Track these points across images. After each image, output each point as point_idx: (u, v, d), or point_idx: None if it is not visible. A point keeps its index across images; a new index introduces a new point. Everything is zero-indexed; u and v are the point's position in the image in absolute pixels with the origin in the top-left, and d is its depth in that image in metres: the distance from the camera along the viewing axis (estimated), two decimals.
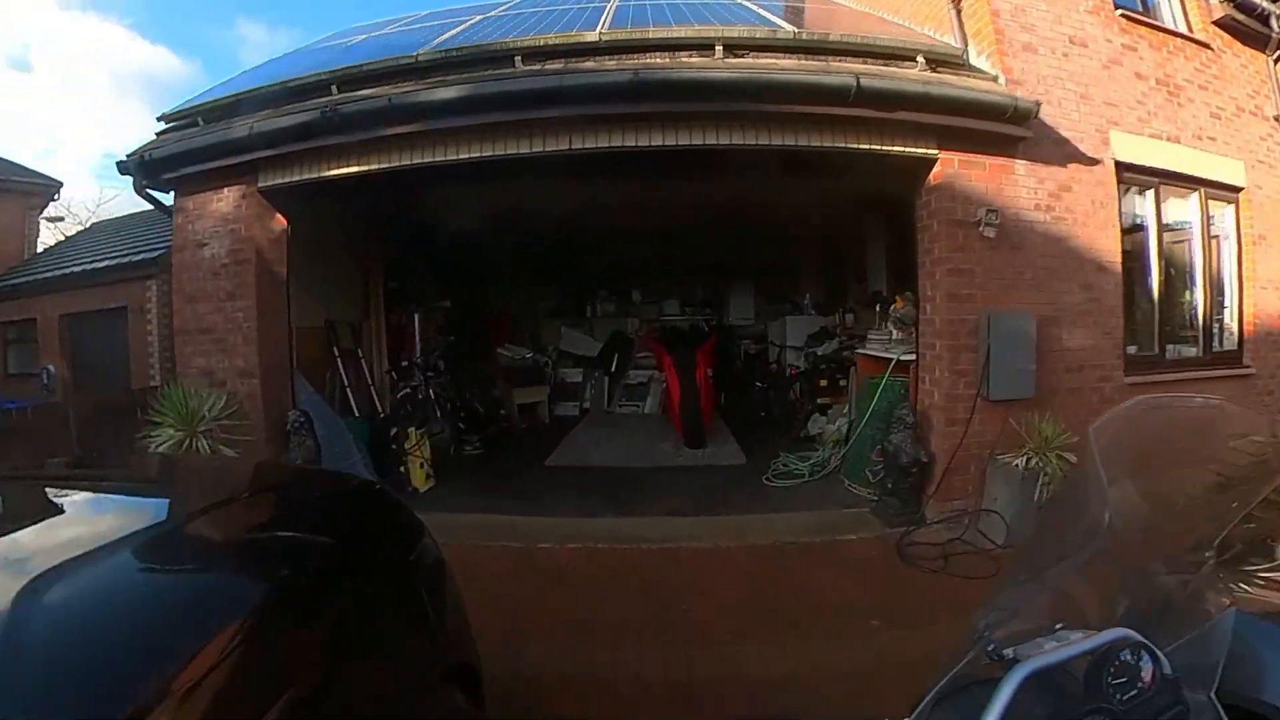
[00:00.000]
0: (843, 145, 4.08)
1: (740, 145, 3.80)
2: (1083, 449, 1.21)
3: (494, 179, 4.31)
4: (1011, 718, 0.85)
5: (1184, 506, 1.25)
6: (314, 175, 4.14)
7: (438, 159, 3.76)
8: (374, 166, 3.91)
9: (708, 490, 5.06)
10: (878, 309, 5.85)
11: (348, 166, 4.00)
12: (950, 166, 4.47)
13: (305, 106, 3.90)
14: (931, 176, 4.50)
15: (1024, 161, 4.71)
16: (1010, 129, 4.47)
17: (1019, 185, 4.70)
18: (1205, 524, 1.19)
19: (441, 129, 3.61)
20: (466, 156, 3.70)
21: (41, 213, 13.59)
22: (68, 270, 9.59)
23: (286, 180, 4.28)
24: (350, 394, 5.88)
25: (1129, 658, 0.94)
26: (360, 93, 3.88)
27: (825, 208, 7.35)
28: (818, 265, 8.66)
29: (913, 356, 4.71)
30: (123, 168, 4.78)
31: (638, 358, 9.22)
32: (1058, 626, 1.02)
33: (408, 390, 5.00)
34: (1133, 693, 0.93)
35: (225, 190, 4.58)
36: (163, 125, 5.13)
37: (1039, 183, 4.78)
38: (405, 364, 5.98)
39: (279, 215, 4.57)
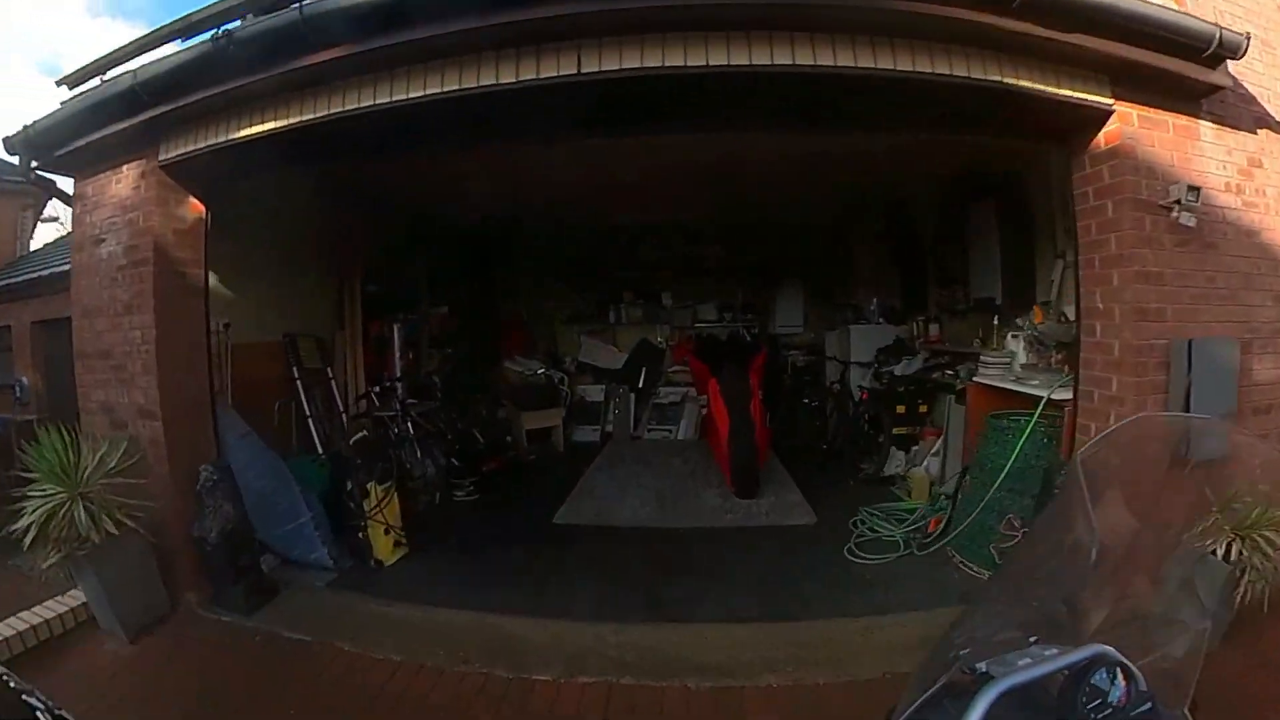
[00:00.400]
0: (995, 80, 2.78)
1: (847, 70, 2.51)
2: (1070, 476, 1.23)
3: (479, 135, 3.09)
4: None
5: (1168, 524, 1.29)
6: (223, 139, 2.97)
7: (381, 102, 2.55)
8: (295, 119, 2.72)
9: (772, 570, 3.78)
10: (995, 322, 4.51)
11: (262, 122, 2.82)
12: (1128, 124, 3.16)
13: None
14: (1104, 137, 3.18)
15: (1210, 124, 3.42)
16: (1204, 73, 3.15)
17: (1206, 157, 3.40)
18: (1187, 540, 1.24)
19: (381, 50, 2.38)
20: (421, 95, 2.48)
21: (41, 214, 13.00)
22: (38, 274, 8.76)
23: (193, 149, 3.12)
24: (314, 426, 4.74)
25: (1104, 675, 0.94)
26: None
27: (910, 186, 6.06)
28: (888, 262, 7.27)
29: (1068, 395, 3.36)
30: (9, 145, 3.69)
31: (669, 371, 7.95)
32: (1032, 641, 1.02)
33: (364, 433, 3.80)
34: (1107, 711, 0.93)
35: (125, 168, 3.45)
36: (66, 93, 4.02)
37: (1228, 154, 3.49)
38: (376, 389, 4.79)
39: (192, 199, 3.42)
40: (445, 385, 5.94)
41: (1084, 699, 0.92)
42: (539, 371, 6.82)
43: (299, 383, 4.76)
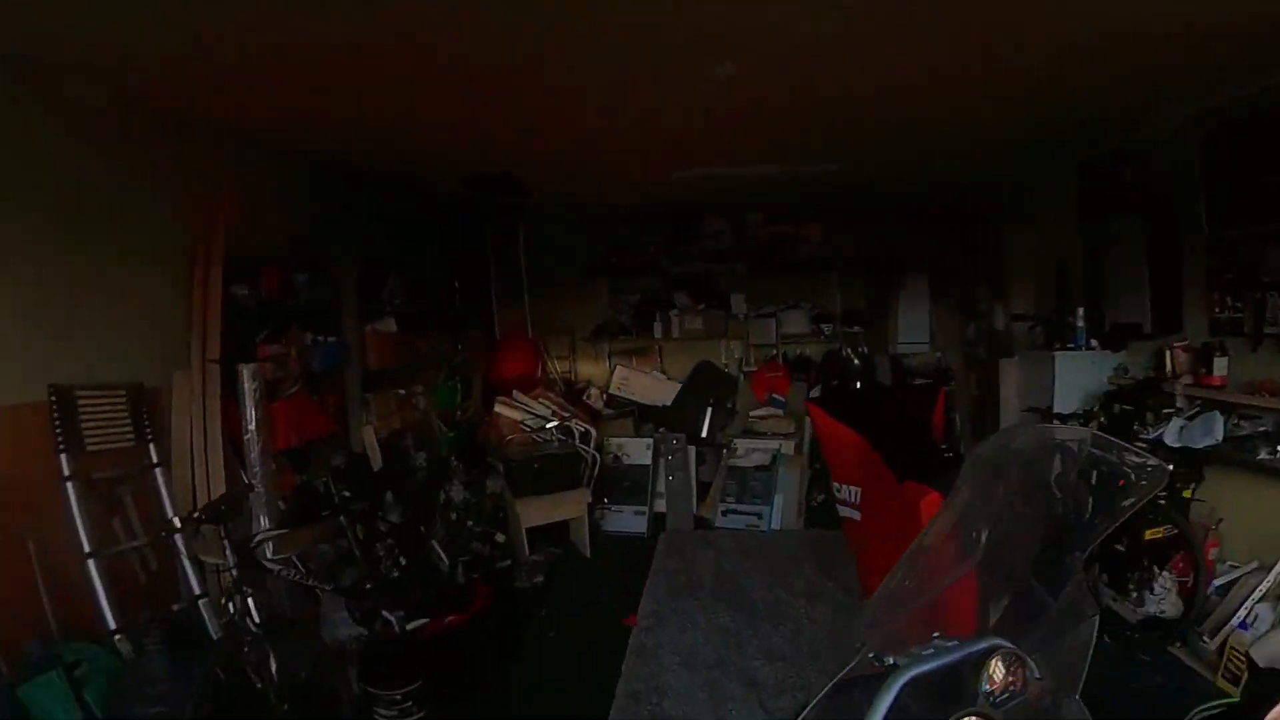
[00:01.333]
0: None
1: None
2: (962, 472, 1.36)
3: None
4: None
5: (1054, 522, 1.31)
6: None
7: None
8: None
9: None
10: None
11: None
12: None
13: None
14: None
15: None
16: None
17: None
18: (1074, 538, 1.27)
19: None
20: None
21: None
22: None
23: None
24: (99, 574, 2.48)
25: (1000, 664, 1.07)
26: None
27: (1164, 117, 3.70)
28: (1103, 251, 4.84)
29: None
30: None
31: (752, 417, 5.54)
32: (935, 635, 1.14)
33: None
34: (1004, 696, 1.06)
35: None
36: None
37: None
38: (195, 513, 2.34)
39: None
40: (388, 461, 3.67)
41: (982, 685, 1.04)
42: (549, 426, 4.48)
43: (70, 484, 2.51)
